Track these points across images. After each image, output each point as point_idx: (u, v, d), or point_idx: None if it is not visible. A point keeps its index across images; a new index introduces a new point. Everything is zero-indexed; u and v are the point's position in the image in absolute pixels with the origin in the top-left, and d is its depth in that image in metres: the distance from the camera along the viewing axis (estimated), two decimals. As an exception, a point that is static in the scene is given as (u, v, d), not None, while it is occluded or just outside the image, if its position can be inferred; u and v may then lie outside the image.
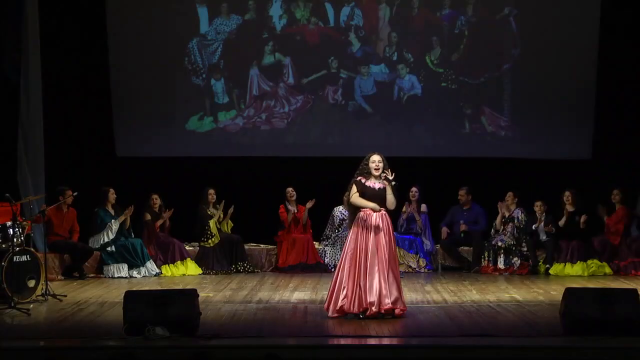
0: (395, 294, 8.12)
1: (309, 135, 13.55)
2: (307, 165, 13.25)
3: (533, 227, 12.26)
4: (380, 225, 8.19)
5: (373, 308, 8.04)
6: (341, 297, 8.16)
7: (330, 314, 8.21)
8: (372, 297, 8.05)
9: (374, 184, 8.28)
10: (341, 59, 13.42)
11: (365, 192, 8.28)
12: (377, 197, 8.25)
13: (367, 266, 8.11)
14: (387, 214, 8.30)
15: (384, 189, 8.25)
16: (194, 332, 7.20)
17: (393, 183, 8.22)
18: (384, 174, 8.20)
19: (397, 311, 8.12)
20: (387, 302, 8.06)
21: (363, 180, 8.30)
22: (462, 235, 12.66)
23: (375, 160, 8.26)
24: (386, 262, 8.12)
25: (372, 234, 8.15)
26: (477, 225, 12.66)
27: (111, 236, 11.79)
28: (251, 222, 12.85)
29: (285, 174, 13.10)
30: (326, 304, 8.34)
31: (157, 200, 12.29)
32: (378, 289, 8.06)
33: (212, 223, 12.36)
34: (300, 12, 13.35)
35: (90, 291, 10.32)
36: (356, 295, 8.11)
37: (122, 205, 11.96)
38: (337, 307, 8.16)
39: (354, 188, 8.30)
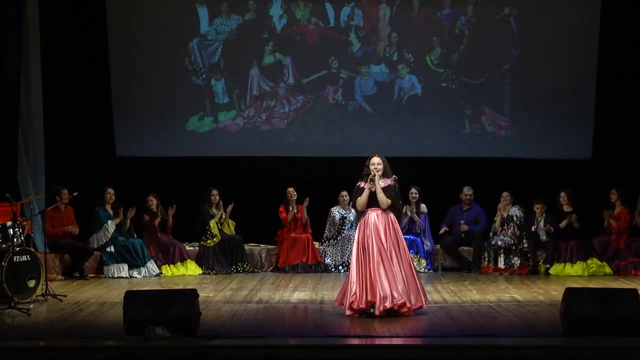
0: (399, 292, 8.16)
1: (309, 135, 13.55)
2: (307, 165, 13.25)
3: (532, 229, 12.25)
4: (381, 224, 8.32)
5: (386, 304, 8.09)
6: (350, 294, 8.29)
7: (346, 312, 8.29)
8: (383, 293, 8.11)
9: (373, 187, 8.41)
10: (341, 59, 13.42)
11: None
12: (376, 199, 8.40)
13: (372, 265, 8.21)
14: (389, 214, 8.41)
15: (384, 188, 8.36)
16: (194, 332, 7.20)
17: (379, 183, 8.35)
18: (371, 175, 8.38)
19: (403, 310, 8.17)
20: (394, 299, 8.13)
21: (362, 185, 8.49)
22: (462, 235, 12.65)
23: (375, 162, 8.44)
24: (390, 261, 8.21)
25: (374, 233, 8.29)
26: (477, 225, 12.65)
27: (108, 236, 11.77)
28: (251, 222, 12.85)
29: (285, 174, 13.10)
30: (337, 301, 8.50)
31: (153, 202, 12.27)
32: (384, 286, 8.14)
33: (212, 223, 12.36)
34: (300, 12, 13.36)
35: (91, 291, 10.32)
36: (363, 292, 8.20)
37: (123, 206, 11.95)
38: (348, 304, 8.28)
39: (357, 195, 8.47)
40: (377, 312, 8.12)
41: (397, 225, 8.44)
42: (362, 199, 8.41)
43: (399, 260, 8.28)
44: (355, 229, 8.65)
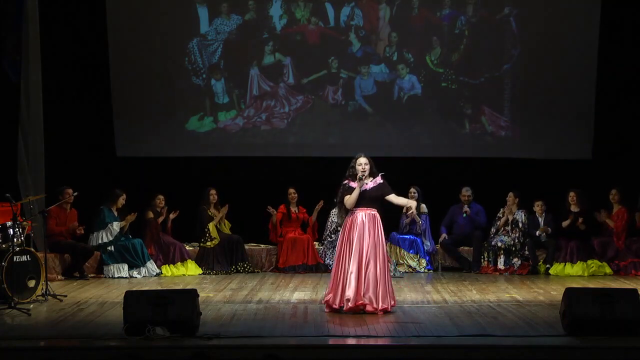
0: (371, 291, 8.35)
1: (309, 135, 13.55)
2: (308, 165, 13.25)
3: (537, 233, 12.21)
4: (367, 225, 8.46)
5: (349, 303, 8.34)
6: (327, 292, 8.60)
7: (325, 307, 8.61)
8: (350, 293, 8.35)
9: (363, 186, 8.50)
10: (341, 59, 13.42)
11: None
12: (366, 197, 8.51)
13: (348, 264, 8.43)
14: (376, 214, 8.53)
15: (373, 188, 8.51)
16: (194, 332, 7.21)
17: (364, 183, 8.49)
18: (362, 177, 8.47)
19: (368, 308, 8.36)
20: (364, 299, 8.35)
21: (351, 184, 8.57)
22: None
23: (362, 163, 8.54)
24: (367, 260, 8.39)
25: (358, 234, 8.43)
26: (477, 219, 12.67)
27: (110, 238, 11.77)
28: (251, 222, 12.85)
29: (285, 174, 13.10)
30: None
31: (162, 202, 12.25)
32: (355, 285, 8.35)
33: (211, 226, 12.33)
34: (300, 12, 13.35)
35: (91, 291, 10.32)
36: (338, 291, 8.46)
37: (126, 207, 11.93)
38: (324, 301, 8.61)
39: (344, 193, 8.57)
40: (345, 309, 8.37)
41: (381, 227, 8.55)
42: (352, 198, 8.47)
43: (376, 262, 8.40)
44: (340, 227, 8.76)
